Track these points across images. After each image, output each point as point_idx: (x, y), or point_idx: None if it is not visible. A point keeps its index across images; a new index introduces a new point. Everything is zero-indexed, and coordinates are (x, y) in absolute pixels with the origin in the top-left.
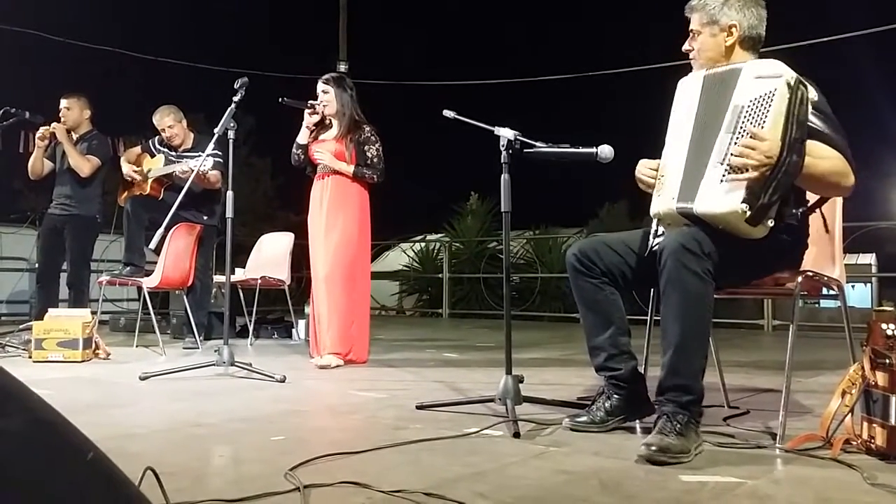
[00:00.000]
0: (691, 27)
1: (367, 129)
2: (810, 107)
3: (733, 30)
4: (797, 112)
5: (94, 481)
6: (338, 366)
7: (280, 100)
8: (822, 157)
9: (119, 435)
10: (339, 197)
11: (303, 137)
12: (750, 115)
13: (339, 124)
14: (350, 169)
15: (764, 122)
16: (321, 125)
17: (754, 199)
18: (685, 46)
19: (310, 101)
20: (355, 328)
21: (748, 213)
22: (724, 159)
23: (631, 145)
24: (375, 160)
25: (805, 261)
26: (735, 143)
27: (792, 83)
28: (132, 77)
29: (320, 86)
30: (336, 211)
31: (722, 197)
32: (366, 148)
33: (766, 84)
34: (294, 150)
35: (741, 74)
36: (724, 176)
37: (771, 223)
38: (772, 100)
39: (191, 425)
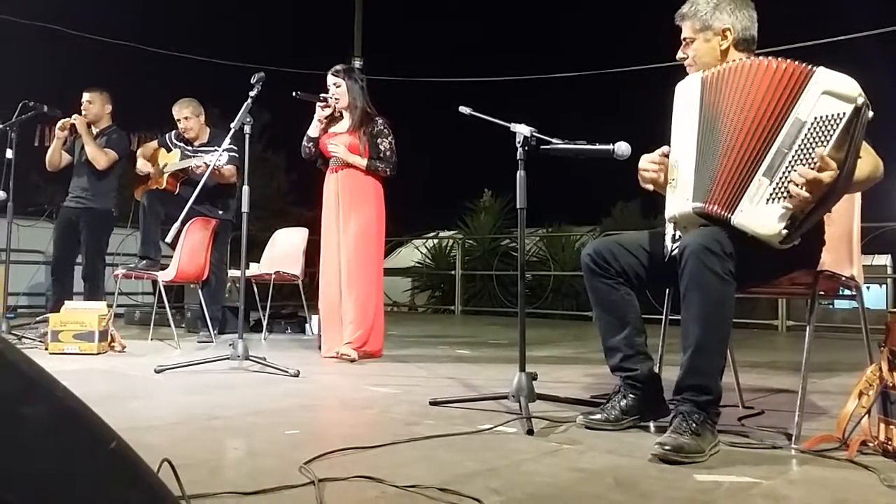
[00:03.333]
0: (683, 35)
1: (380, 121)
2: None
3: (727, 33)
4: (857, 140)
5: (117, 470)
6: (353, 360)
7: (293, 93)
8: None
9: (135, 427)
10: (353, 191)
11: (314, 131)
12: (813, 136)
13: (350, 117)
14: (363, 162)
15: (825, 147)
16: (332, 118)
17: (795, 225)
18: (679, 54)
19: (322, 95)
20: (373, 320)
21: (784, 236)
22: (776, 177)
23: (647, 143)
24: (388, 153)
25: (822, 261)
26: (793, 164)
27: (861, 108)
28: (148, 72)
29: (331, 78)
30: (352, 205)
31: (767, 219)
32: (378, 141)
33: (836, 105)
34: (305, 142)
35: (811, 82)
36: (773, 195)
37: (798, 241)
38: (839, 125)
39: (206, 418)
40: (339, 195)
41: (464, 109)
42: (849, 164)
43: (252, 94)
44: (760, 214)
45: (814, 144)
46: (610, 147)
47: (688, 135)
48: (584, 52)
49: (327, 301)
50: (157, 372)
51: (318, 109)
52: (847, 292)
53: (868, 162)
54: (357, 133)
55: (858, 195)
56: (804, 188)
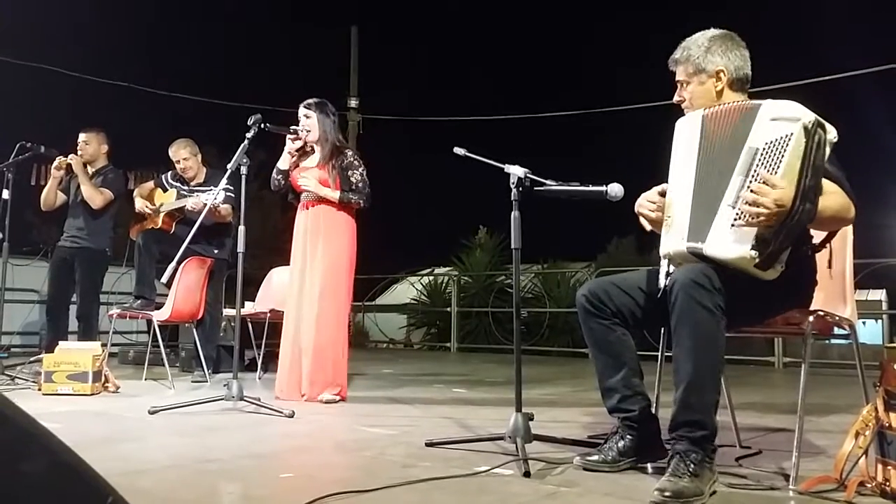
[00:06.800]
0: (678, 79)
1: (350, 153)
2: (828, 148)
3: (721, 75)
4: (813, 158)
5: None
6: (329, 401)
7: (262, 126)
8: (827, 195)
9: (129, 471)
10: (326, 225)
11: (284, 163)
12: (764, 158)
13: (321, 150)
14: (336, 195)
15: (778, 167)
16: (302, 152)
17: (764, 246)
18: (675, 98)
19: (292, 127)
20: (340, 363)
21: (757, 259)
22: (735, 203)
23: (640, 182)
24: (360, 185)
25: (816, 300)
26: (748, 187)
27: (809, 127)
28: (145, 111)
29: (302, 111)
30: (322, 239)
31: (731, 243)
32: (349, 173)
33: (783, 127)
34: (274, 175)
35: (758, 114)
36: (734, 220)
37: (781, 267)
38: (788, 144)
39: (200, 461)
40: (309, 230)
41: (458, 151)
42: (807, 182)
43: (248, 135)
44: (725, 240)
45: (767, 167)
46: (603, 188)
47: (686, 173)
48: (578, 93)
49: (295, 343)
50: (151, 413)
51: (288, 142)
52: (842, 331)
53: (836, 201)
54: (327, 167)
55: (850, 233)
56: (756, 206)
